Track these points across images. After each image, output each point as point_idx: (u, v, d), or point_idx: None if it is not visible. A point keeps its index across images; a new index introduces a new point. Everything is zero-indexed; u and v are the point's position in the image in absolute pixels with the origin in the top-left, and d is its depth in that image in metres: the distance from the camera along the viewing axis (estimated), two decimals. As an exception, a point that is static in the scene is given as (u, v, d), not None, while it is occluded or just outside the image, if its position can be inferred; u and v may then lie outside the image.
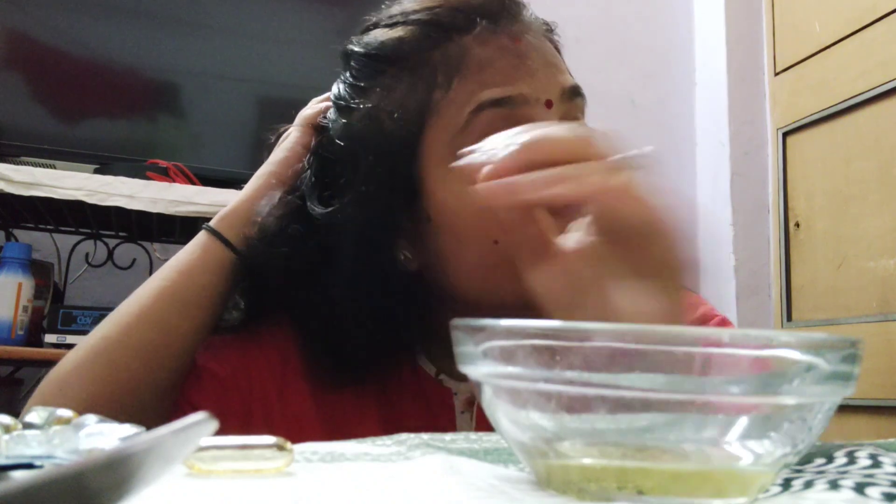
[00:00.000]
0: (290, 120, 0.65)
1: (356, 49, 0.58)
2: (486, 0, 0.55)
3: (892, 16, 1.57)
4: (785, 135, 1.85)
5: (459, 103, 0.52)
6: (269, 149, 0.65)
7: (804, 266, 1.77)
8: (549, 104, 0.53)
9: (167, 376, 0.55)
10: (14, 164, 1.19)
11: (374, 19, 0.59)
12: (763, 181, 1.91)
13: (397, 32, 0.55)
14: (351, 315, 0.55)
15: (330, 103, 0.61)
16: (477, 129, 0.51)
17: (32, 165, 1.24)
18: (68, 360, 0.54)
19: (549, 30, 0.58)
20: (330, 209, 0.55)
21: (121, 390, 0.53)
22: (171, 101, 1.49)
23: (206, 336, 0.57)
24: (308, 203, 0.57)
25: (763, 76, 1.94)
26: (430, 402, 0.58)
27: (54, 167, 1.26)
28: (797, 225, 1.80)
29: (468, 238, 0.52)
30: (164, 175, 1.26)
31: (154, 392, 0.54)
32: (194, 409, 0.46)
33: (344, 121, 0.57)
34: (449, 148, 0.52)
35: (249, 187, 0.61)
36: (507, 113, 0.52)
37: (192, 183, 1.26)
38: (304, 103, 0.65)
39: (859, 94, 1.63)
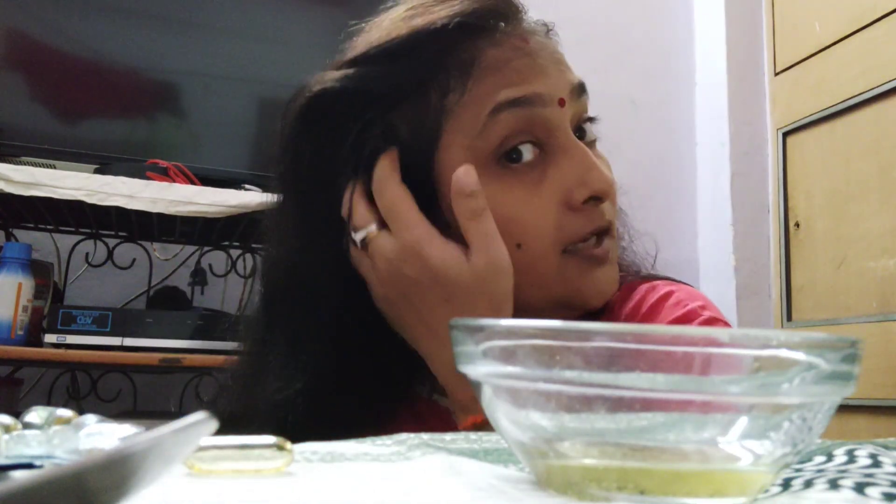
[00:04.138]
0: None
1: (350, 56, 0.55)
2: (492, 3, 0.54)
3: (892, 16, 1.57)
4: (785, 135, 1.85)
5: (476, 105, 0.51)
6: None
7: (804, 266, 1.77)
8: (562, 102, 0.53)
9: None
10: (14, 164, 1.19)
11: (364, 26, 0.57)
12: (763, 181, 1.91)
13: (398, 34, 0.53)
14: (357, 350, 0.53)
15: None
16: (495, 130, 0.51)
17: (32, 165, 1.24)
18: None
19: (548, 30, 0.58)
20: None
21: None
22: (171, 101, 1.49)
23: None
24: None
25: (763, 76, 1.94)
26: (429, 423, 0.56)
27: (54, 167, 1.26)
28: (797, 225, 1.80)
29: None
30: (164, 175, 1.26)
31: None
32: None
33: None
34: (467, 151, 0.51)
35: None
36: (525, 113, 0.51)
37: (192, 183, 1.26)
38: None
39: (859, 94, 1.63)
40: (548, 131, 0.53)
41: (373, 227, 0.52)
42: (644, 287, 0.60)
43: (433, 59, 0.53)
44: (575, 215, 0.53)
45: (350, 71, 0.54)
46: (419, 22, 0.53)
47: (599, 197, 0.53)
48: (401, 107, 0.53)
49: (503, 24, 0.54)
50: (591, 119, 0.57)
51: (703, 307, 0.57)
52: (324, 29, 1.50)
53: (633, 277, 0.62)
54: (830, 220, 1.69)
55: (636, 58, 2.02)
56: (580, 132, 0.56)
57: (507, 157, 0.52)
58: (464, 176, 0.50)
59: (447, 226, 0.52)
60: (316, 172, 0.55)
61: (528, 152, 0.52)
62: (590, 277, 0.54)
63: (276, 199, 0.58)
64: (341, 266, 0.53)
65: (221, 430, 0.53)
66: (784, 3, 1.88)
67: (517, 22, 0.55)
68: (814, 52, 1.76)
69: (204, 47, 1.48)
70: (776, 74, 1.89)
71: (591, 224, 0.53)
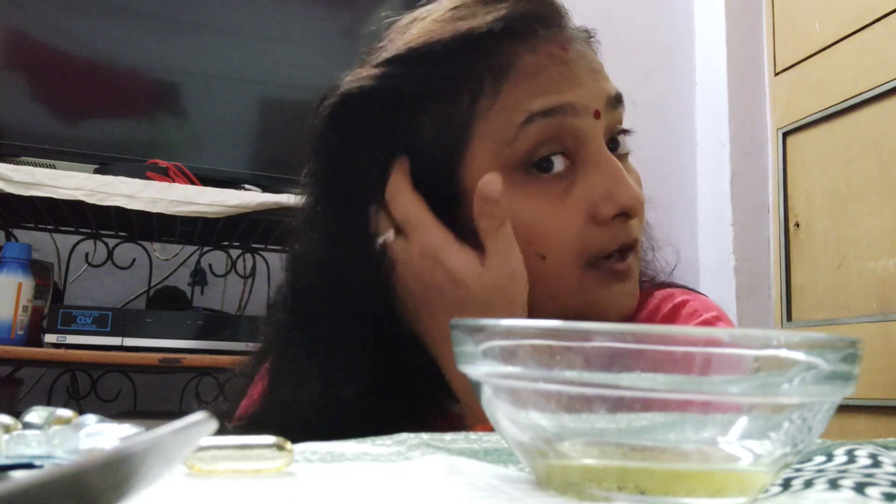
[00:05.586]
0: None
1: (387, 55, 0.54)
2: (536, 7, 0.53)
3: (892, 16, 1.57)
4: (785, 135, 1.85)
5: (508, 112, 0.51)
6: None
7: (804, 266, 1.77)
8: (597, 115, 0.52)
9: None
10: (14, 164, 1.19)
11: (401, 20, 0.56)
12: (763, 181, 1.91)
13: (440, 37, 0.52)
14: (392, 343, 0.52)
15: None
16: (526, 139, 0.51)
17: (32, 165, 1.24)
18: None
19: (589, 36, 0.57)
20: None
21: None
22: (172, 102, 1.49)
23: None
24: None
25: (763, 76, 1.94)
26: (432, 423, 0.57)
27: (54, 167, 1.26)
28: (797, 225, 1.80)
29: None
30: (164, 175, 1.26)
31: None
32: None
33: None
34: (496, 159, 0.51)
35: None
36: (557, 123, 0.51)
37: (192, 183, 1.26)
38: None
39: (859, 94, 1.63)
40: (579, 143, 0.52)
41: (390, 234, 0.51)
42: (659, 294, 0.60)
43: (471, 62, 0.52)
44: (600, 230, 0.52)
45: (388, 69, 0.53)
46: (463, 25, 0.52)
47: (627, 213, 0.52)
48: (431, 107, 0.52)
49: (544, 30, 0.53)
50: (625, 131, 0.56)
51: (717, 318, 0.57)
52: (325, 29, 1.51)
53: (649, 285, 0.61)
54: (830, 220, 1.69)
55: (636, 58, 2.02)
56: (613, 143, 0.55)
57: (537, 166, 0.51)
58: (489, 183, 0.49)
59: (472, 233, 0.51)
60: (346, 172, 0.54)
61: (558, 163, 0.52)
62: (609, 292, 0.53)
63: (306, 198, 0.57)
64: (373, 267, 0.53)
65: (238, 432, 0.51)
66: (784, 3, 1.88)
67: (558, 28, 0.54)
68: (814, 52, 1.76)
69: (205, 47, 1.48)
70: (776, 74, 1.89)
71: (616, 240, 0.53)
